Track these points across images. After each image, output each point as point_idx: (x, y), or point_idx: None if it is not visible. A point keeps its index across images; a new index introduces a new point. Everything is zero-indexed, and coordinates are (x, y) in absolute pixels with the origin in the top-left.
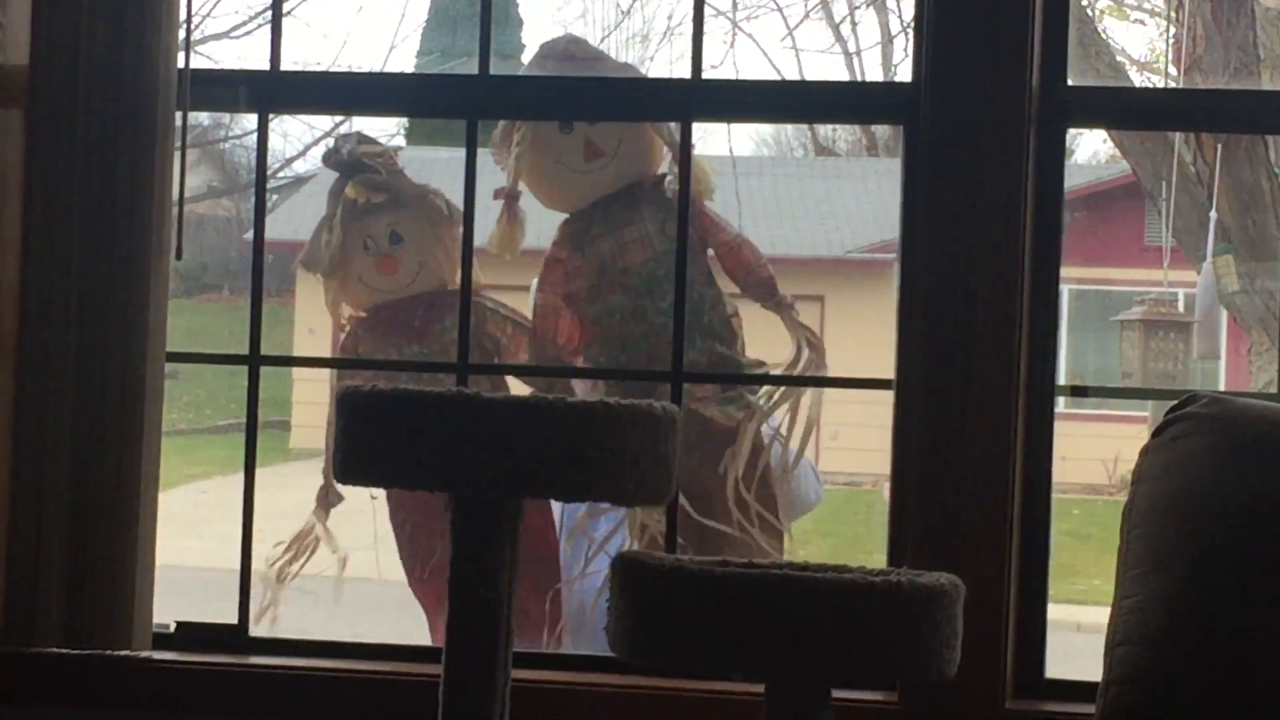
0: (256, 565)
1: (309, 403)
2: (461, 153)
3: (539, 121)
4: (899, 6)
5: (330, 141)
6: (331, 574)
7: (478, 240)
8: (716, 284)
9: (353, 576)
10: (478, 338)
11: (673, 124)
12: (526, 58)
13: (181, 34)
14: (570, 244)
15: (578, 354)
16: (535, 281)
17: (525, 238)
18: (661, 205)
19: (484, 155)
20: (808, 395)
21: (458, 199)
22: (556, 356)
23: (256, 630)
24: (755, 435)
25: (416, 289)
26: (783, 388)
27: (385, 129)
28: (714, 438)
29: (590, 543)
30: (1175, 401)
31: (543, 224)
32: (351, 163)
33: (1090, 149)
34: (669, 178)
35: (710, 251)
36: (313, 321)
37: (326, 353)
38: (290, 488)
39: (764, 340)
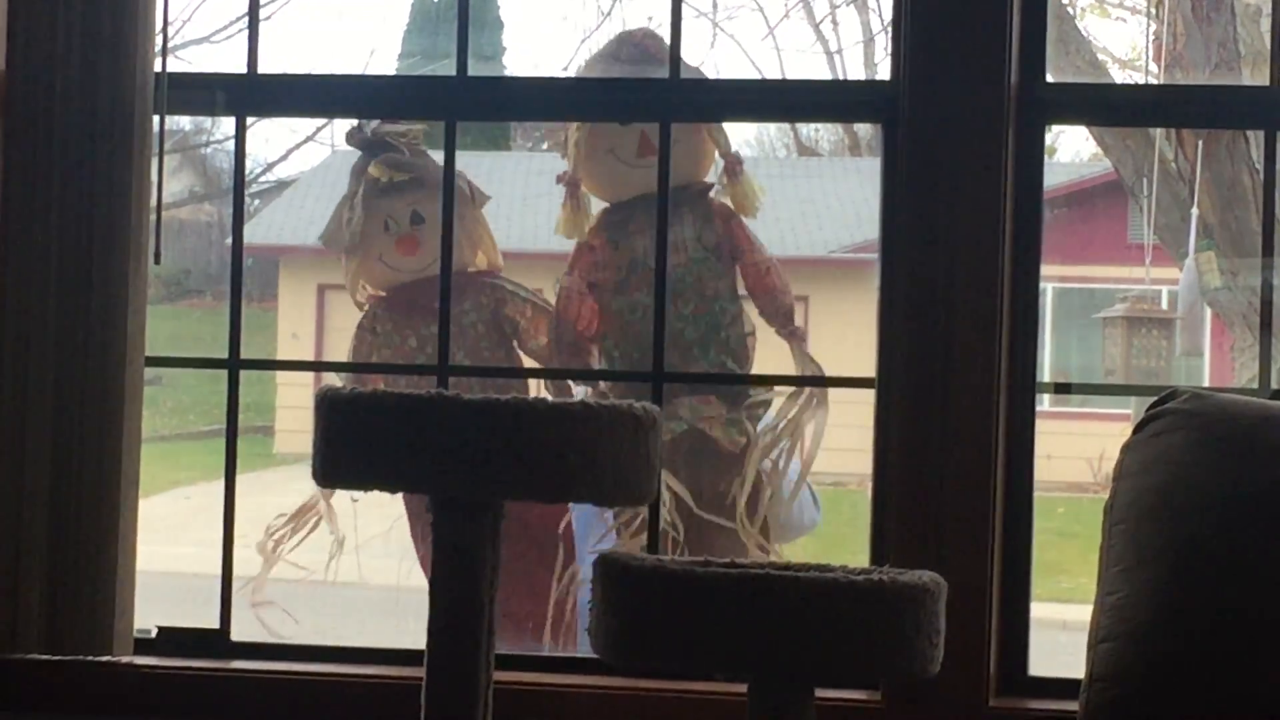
0: (239, 569)
1: (293, 408)
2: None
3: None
4: (879, 5)
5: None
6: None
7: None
8: (739, 301)
9: (340, 581)
10: (496, 320)
11: (724, 131)
12: (508, 59)
13: (159, 39)
14: (606, 234)
15: (594, 343)
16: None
17: (589, 220)
18: (702, 213)
19: (465, 157)
20: (811, 425)
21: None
22: (574, 341)
23: (243, 609)
24: (758, 465)
25: (436, 270)
26: (786, 419)
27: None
28: (717, 458)
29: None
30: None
31: (524, 225)
32: (375, 141)
33: (1073, 148)
34: (716, 188)
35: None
36: (296, 326)
37: (310, 359)
38: (274, 493)
39: (771, 366)
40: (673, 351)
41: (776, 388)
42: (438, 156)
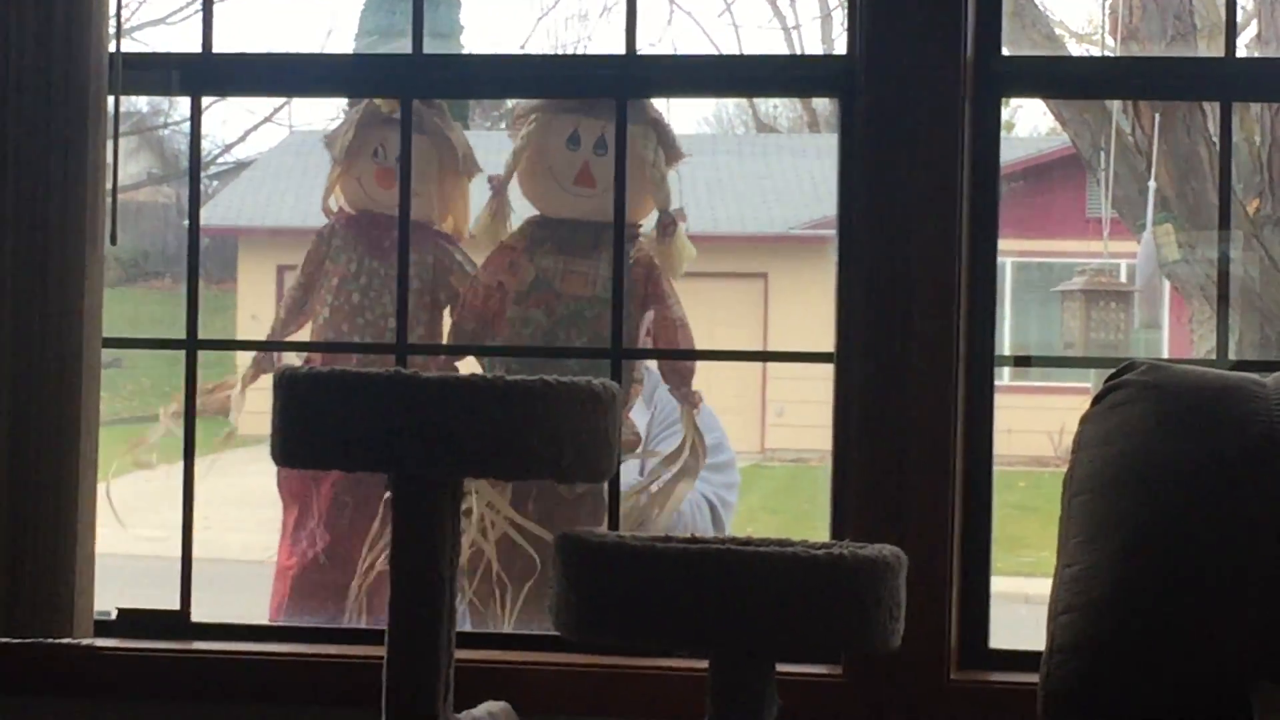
0: (197, 551)
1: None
2: None
3: (550, 121)
4: None
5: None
6: None
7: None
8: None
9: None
10: (435, 284)
11: (667, 187)
12: (465, 38)
13: (114, 20)
14: (527, 240)
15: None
16: None
17: (506, 229)
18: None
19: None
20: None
21: None
22: (472, 333)
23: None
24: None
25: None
26: (662, 485)
27: (327, 113)
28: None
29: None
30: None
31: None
32: None
33: (1030, 122)
34: (641, 239)
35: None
36: (255, 308)
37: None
38: (234, 474)
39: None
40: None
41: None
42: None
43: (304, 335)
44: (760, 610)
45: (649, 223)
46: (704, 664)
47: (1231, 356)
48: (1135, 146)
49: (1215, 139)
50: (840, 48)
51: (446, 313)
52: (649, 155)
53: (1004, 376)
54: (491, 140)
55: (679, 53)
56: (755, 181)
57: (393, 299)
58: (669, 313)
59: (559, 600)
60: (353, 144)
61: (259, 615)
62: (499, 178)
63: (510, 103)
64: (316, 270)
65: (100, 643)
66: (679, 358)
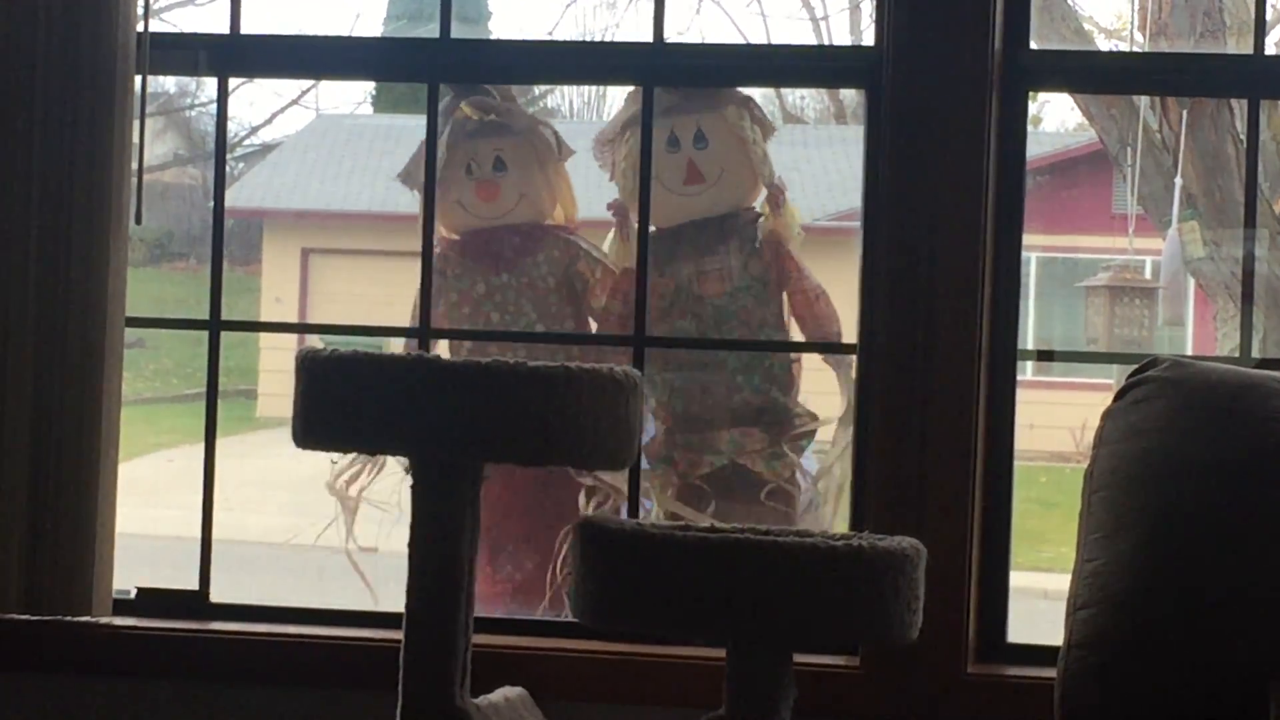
0: (218, 533)
1: (275, 371)
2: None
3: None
4: None
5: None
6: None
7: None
8: (784, 330)
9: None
10: (569, 276)
11: (769, 161)
12: (493, 24)
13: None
14: (651, 260)
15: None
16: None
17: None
18: (749, 242)
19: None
20: (848, 452)
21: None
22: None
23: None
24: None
25: (514, 219)
26: (842, 449)
27: (353, 97)
28: (758, 490)
29: None
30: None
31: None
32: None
33: (1058, 117)
34: (763, 218)
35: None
36: (280, 290)
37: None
38: (256, 456)
39: (815, 393)
40: (718, 379)
41: (822, 417)
42: (406, 125)
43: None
44: (779, 600)
45: (759, 201)
46: (722, 653)
47: (1255, 354)
48: (1162, 143)
49: (1242, 136)
50: (869, 39)
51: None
52: (748, 134)
53: (1026, 371)
54: None
55: (707, 42)
56: (781, 171)
57: (532, 306)
58: (804, 284)
59: (578, 587)
60: (445, 169)
61: (277, 597)
62: (617, 201)
63: (595, 128)
64: (435, 307)
65: (119, 621)
66: (698, 347)
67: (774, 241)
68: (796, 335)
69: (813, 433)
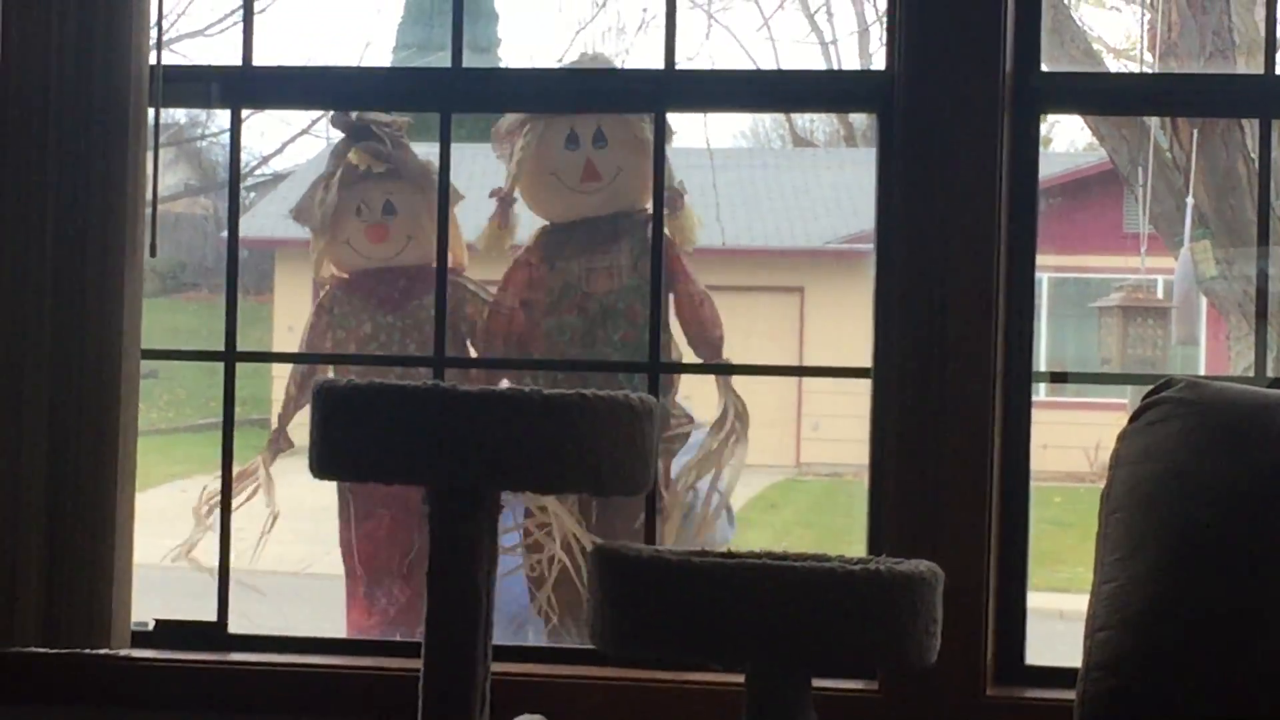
0: (235, 563)
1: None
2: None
3: (545, 129)
4: None
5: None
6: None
7: (470, 235)
8: (668, 331)
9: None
10: (454, 318)
11: (667, 163)
12: (503, 51)
13: (154, 32)
14: (543, 253)
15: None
16: None
17: (511, 238)
18: (640, 242)
19: (469, 150)
20: (735, 458)
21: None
22: (502, 354)
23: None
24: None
25: (401, 261)
26: (707, 453)
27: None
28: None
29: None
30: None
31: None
32: (360, 127)
33: (1068, 138)
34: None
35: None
36: (292, 319)
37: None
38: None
39: (697, 397)
40: (600, 376)
41: (697, 421)
42: (420, 150)
43: None
44: (797, 625)
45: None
46: (740, 678)
47: (1269, 374)
48: (1173, 162)
49: (1254, 155)
50: (878, 63)
51: (468, 344)
52: (647, 135)
53: (1040, 392)
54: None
55: (717, 67)
56: (792, 196)
57: (417, 347)
58: (690, 289)
59: (595, 614)
60: (335, 210)
61: (295, 627)
62: (501, 190)
63: (498, 120)
64: (322, 342)
65: (137, 653)
66: (715, 372)
67: (667, 244)
68: (679, 336)
69: (687, 435)
